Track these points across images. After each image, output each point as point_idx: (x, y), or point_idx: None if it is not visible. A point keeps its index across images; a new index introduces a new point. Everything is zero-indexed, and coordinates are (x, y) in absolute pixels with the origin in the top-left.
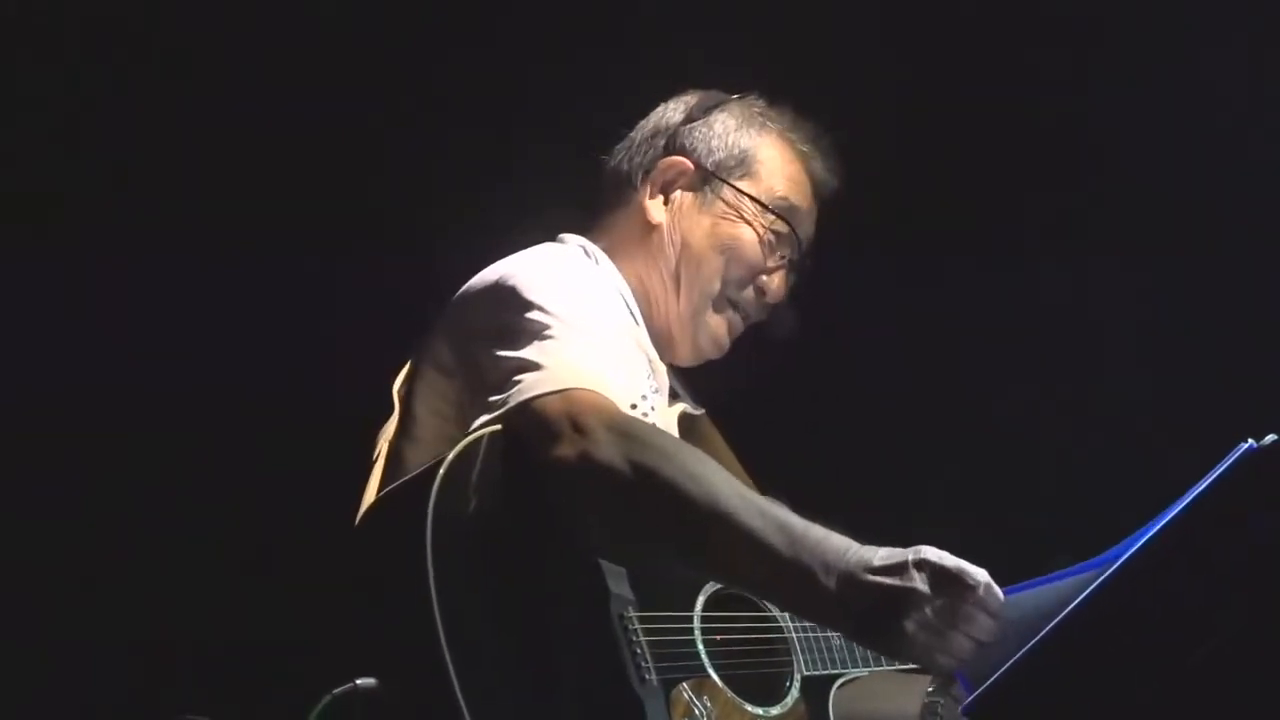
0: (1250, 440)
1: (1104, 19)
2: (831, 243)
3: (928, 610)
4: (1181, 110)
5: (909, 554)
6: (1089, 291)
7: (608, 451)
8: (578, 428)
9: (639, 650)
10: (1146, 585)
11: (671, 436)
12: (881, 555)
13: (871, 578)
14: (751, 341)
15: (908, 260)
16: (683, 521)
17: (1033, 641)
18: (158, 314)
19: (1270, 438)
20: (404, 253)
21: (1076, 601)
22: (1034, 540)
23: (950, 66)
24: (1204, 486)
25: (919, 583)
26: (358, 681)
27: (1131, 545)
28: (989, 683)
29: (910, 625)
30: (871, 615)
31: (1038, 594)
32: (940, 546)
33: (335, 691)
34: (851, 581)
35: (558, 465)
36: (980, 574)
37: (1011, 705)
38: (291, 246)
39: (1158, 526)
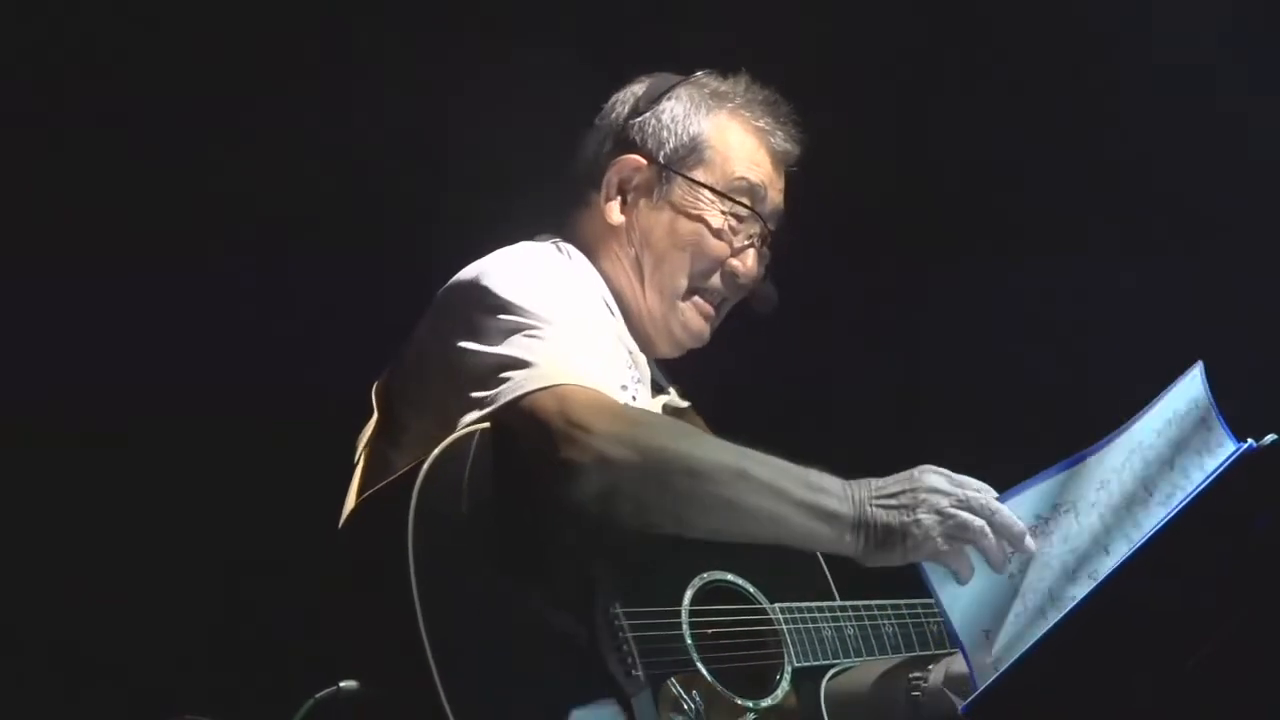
0: (1250, 440)
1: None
2: (820, 236)
3: (941, 500)
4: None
5: (912, 470)
6: (1088, 291)
7: (618, 445)
8: (579, 425)
9: (626, 646)
10: (1146, 585)
11: (661, 415)
12: (885, 478)
13: (882, 488)
14: (737, 328)
15: (897, 251)
16: (706, 490)
17: (1032, 641)
18: (151, 315)
19: (1270, 437)
20: (384, 255)
21: (1076, 602)
22: None
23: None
24: (1203, 486)
25: (929, 476)
26: (341, 684)
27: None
28: (989, 683)
29: (927, 516)
30: (889, 524)
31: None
32: None
33: (318, 695)
34: (865, 501)
35: (571, 468)
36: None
37: (1011, 705)
38: (277, 248)
39: (1157, 526)
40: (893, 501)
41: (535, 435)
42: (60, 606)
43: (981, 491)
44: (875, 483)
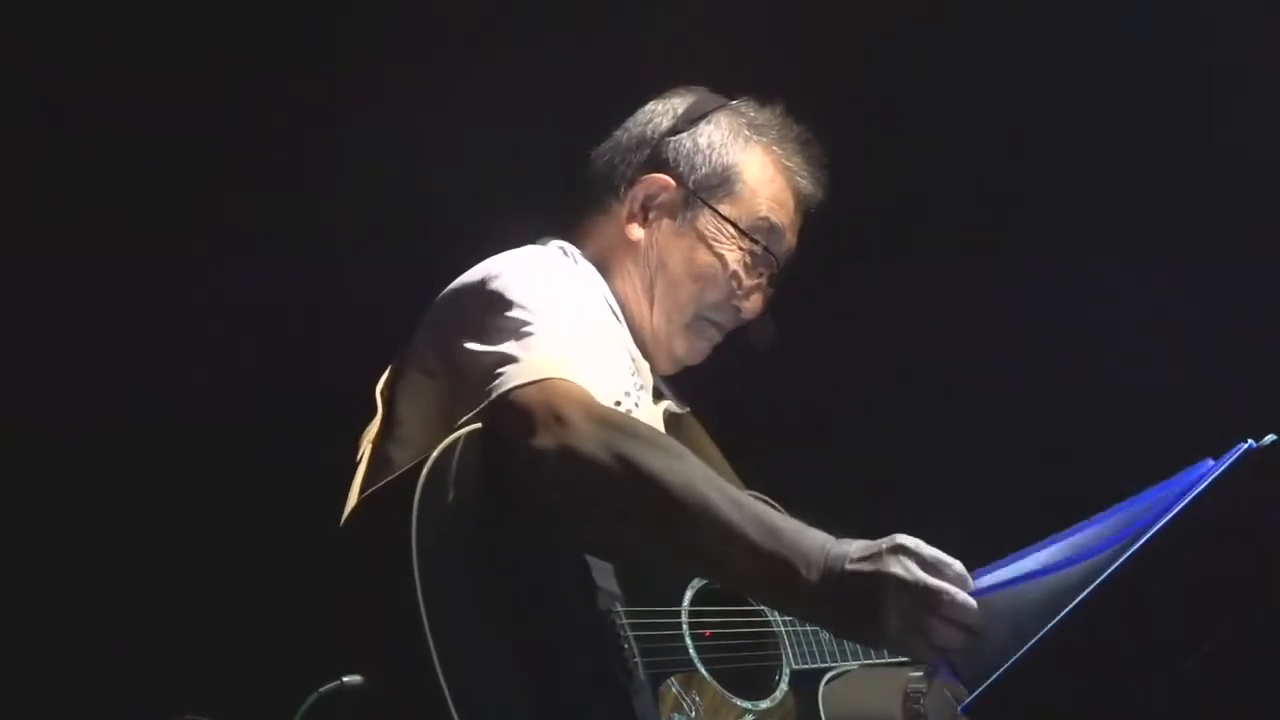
0: (1250, 440)
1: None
2: (820, 242)
3: (908, 596)
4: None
5: (884, 542)
6: (1088, 292)
7: (588, 442)
8: (557, 418)
9: (627, 646)
10: (1146, 585)
11: (651, 427)
12: (859, 546)
13: (851, 567)
14: (736, 345)
15: (895, 259)
16: (663, 513)
17: (1032, 641)
18: (152, 313)
19: (1270, 438)
20: (387, 254)
21: (1076, 601)
22: (1031, 542)
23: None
24: (1203, 486)
25: (897, 567)
26: (344, 679)
27: (1106, 518)
28: (989, 682)
29: (890, 611)
30: (853, 605)
31: (1018, 584)
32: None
33: (322, 689)
34: (832, 573)
35: (538, 456)
36: (955, 563)
37: (1011, 705)
38: (278, 247)
39: (1156, 526)
40: (863, 585)
41: (519, 428)
42: (60, 606)
43: (953, 570)
44: (850, 554)
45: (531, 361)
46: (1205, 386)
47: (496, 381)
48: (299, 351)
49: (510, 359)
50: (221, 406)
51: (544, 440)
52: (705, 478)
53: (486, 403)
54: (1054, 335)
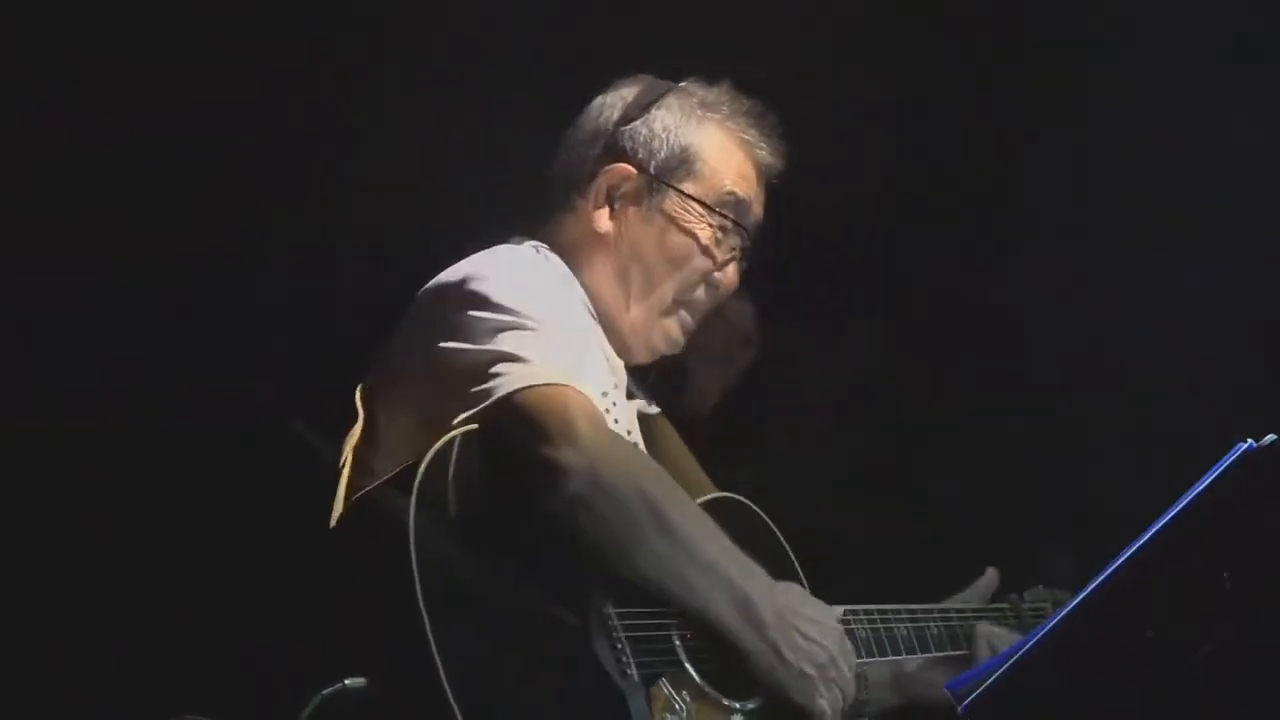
0: (1249, 440)
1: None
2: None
3: (830, 669)
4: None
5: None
6: (1088, 291)
7: (608, 464)
8: (578, 431)
9: (620, 646)
10: (1145, 585)
11: (649, 457)
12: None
13: (801, 625)
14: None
15: (893, 256)
16: (663, 548)
17: (1031, 641)
18: (154, 313)
19: (1270, 438)
20: (368, 257)
21: (1075, 602)
22: (1030, 541)
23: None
24: (1202, 486)
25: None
26: (346, 681)
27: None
28: (988, 683)
29: (820, 682)
30: (792, 661)
31: None
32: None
33: (325, 692)
34: (783, 621)
35: (554, 466)
36: None
37: (1010, 705)
38: (265, 250)
39: (1156, 526)
40: (807, 645)
41: (529, 430)
42: (60, 606)
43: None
44: (799, 617)
45: (537, 364)
46: (1205, 386)
47: (495, 381)
48: (303, 349)
49: (509, 358)
50: (220, 407)
51: (566, 454)
52: (697, 516)
53: (490, 402)
54: (1053, 335)
